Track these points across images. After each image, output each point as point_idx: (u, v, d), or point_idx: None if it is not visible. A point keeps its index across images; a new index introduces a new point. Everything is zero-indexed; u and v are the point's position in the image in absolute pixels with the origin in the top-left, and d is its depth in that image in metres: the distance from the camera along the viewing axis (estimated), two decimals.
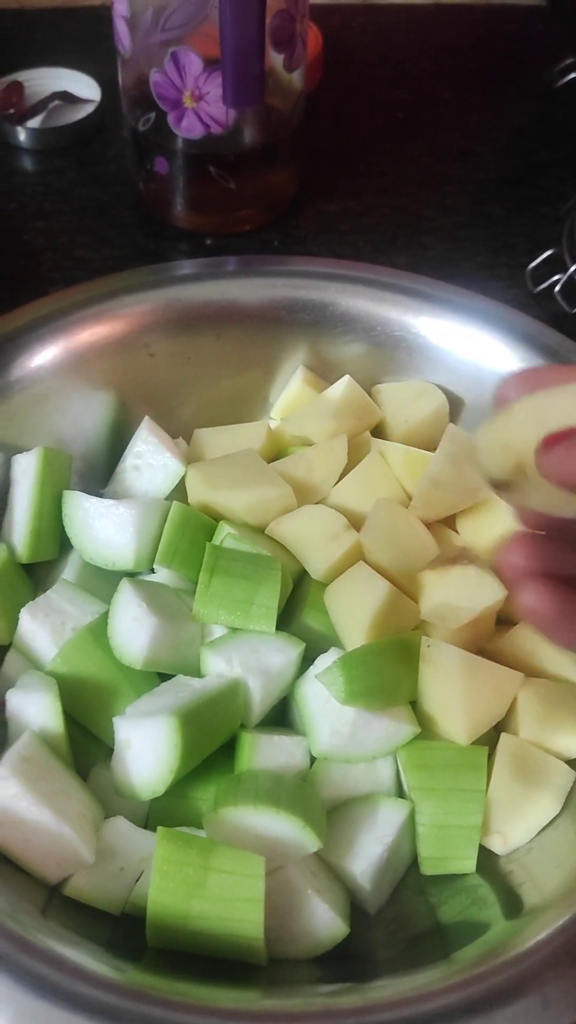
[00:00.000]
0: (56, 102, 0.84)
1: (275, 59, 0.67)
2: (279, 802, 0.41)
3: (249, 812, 0.41)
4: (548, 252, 0.72)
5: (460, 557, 0.47)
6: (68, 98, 0.85)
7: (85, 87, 0.86)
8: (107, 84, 0.84)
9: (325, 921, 0.41)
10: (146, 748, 0.43)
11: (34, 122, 0.82)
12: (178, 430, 0.58)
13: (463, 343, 0.56)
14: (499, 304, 0.57)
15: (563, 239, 0.72)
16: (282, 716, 0.50)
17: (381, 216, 0.79)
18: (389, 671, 0.46)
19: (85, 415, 0.57)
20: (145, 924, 0.40)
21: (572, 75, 0.89)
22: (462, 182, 0.82)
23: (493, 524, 0.51)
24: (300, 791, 0.43)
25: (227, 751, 0.46)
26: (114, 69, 0.71)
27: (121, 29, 0.67)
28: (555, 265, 0.71)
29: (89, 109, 0.84)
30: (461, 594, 0.47)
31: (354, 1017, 0.35)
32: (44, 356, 0.54)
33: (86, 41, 0.92)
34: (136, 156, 0.74)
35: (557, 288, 0.70)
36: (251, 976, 0.40)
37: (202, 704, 0.44)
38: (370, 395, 0.58)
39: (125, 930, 0.42)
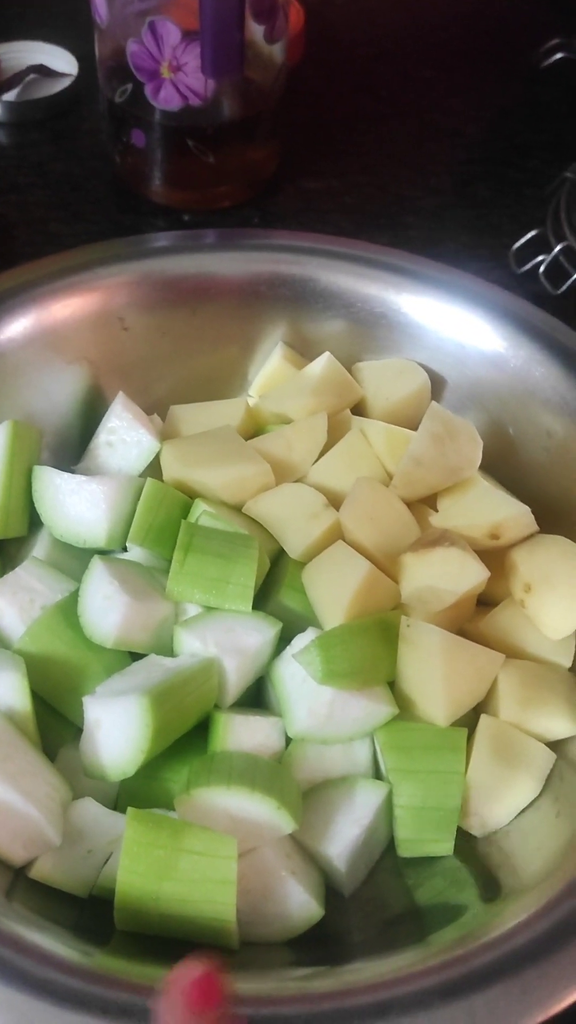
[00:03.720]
0: (32, 75, 0.82)
1: (256, 31, 0.66)
2: (253, 783, 0.40)
3: (222, 793, 0.40)
4: (532, 233, 0.71)
5: (441, 539, 0.46)
6: (44, 71, 0.83)
7: (62, 61, 0.84)
8: (84, 58, 0.82)
9: (299, 903, 0.40)
10: (116, 729, 0.42)
11: (9, 95, 0.81)
12: (153, 406, 0.57)
13: (445, 321, 0.55)
14: (482, 281, 0.56)
15: (547, 220, 0.71)
16: (257, 697, 0.48)
17: (363, 195, 0.78)
18: (368, 651, 0.45)
19: (57, 389, 0.55)
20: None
21: (558, 56, 0.88)
22: (446, 162, 0.81)
23: (473, 503, 0.50)
24: (275, 772, 0.42)
25: (200, 731, 0.45)
26: (91, 43, 0.69)
27: None
28: (539, 246, 0.70)
29: (66, 83, 0.82)
30: (443, 577, 0.46)
31: (330, 1000, 0.34)
32: (15, 328, 0.53)
33: (63, 14, 0.90)
34: (112, 129, 0.72)
35: (541, 269, 0.69)
36: (224, 960, 0.39)
37: (175, 684, 0.43)
38: (351, 373, 0.57)
39: (93, 913, 0.40)
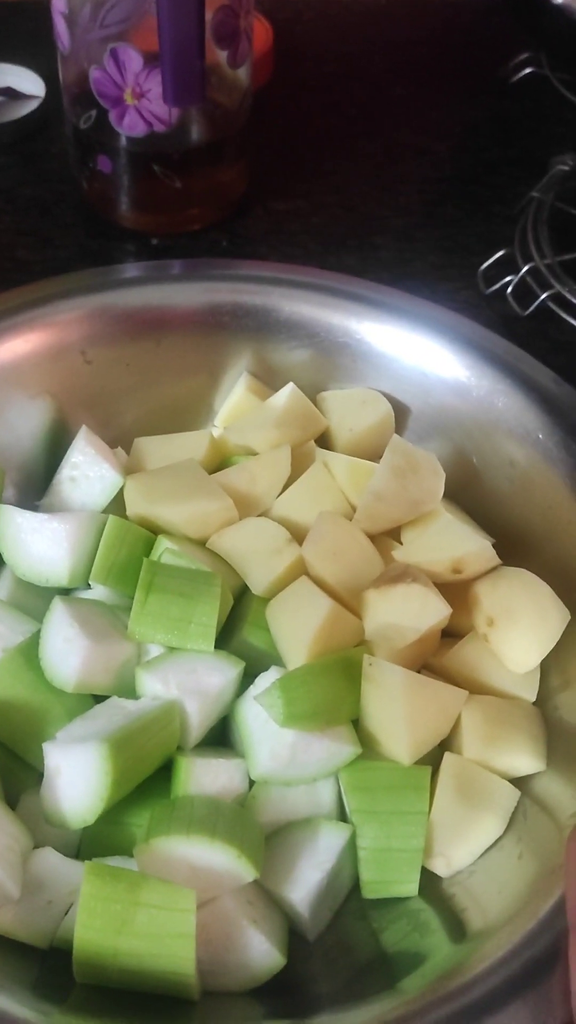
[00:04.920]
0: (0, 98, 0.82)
1: (219, 55, 0.65)
2: (214, 831, 0.40)
3: (182, 842, 0.40)
4: (500, 252, 0.71)
5: (403, 575, 0.46)
6: (11, 94, 0.82)
7: (29, 82, 0.83)
8: (51, 80, 0.82)
9: (261, 952, 0.40)
10: (76, 776, 0.41)
11: None
12: (118, 438, 0.56)
13: (408, 350, 0.55)
14: (444, 309, 0.56)
15: (515, 240, 0.71)
16: (222, 734, 0.48)
17: (332, 216, 0.77)
18: (330, 691, 0.45)
19: (21, 424, 0.55)
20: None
21: (527, 71, 0.88)
22: (415, 181, 0.81)
23: (435, 537, 0.50)
24: (237, 818, 0.42)
25: (164, 773, 0.45)
26: (57, 65, 0.69)
27: (59, 25, 0.65)
28: (507, 266, 0.70)
29: (33, 105, 0.82)
30: (405, 614, 0.45)
31: None
32: None
33: (30, 35, 0.90)
34: (78, 154, 0.72)
35: (509, 290, 0.69)
36: (184, 1012, 0.39)
37: (135, 729, 0.42)
38: (315, 402, 0.57)
39: (54, 965, 0.40)
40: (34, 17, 0.92)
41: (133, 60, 0.63)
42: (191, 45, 0.59)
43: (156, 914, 0.38)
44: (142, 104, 0.65)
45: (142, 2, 0.61)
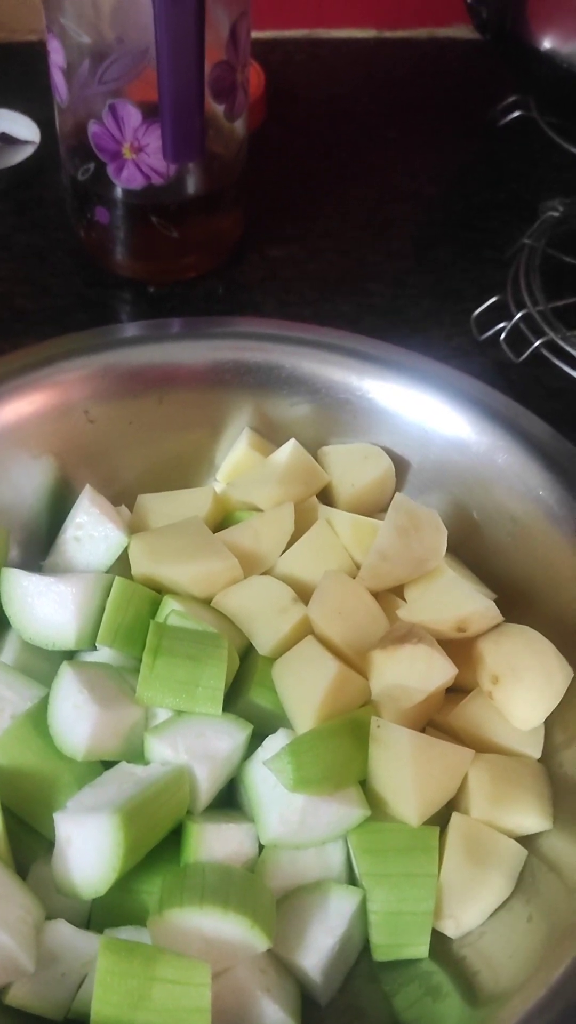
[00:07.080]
0: None
1: (216, 108, 0.66)
2: (226, 901, 0.40)
3: (195, 913, 0.40)
4: (493, 299, 0.72)
5: (409, 635, 0.46)
6: (6, 139, 0.83)
7: (23, 128, 0.84)
8: (46, 124, 0.82)
9: (275, 1021, 0.40)
10: (88, 846, 0.42)
11: None
12: (121, 495, 0.57)
13: (408, 405, 0.56)
14: (444, 366, 0.56)
15: (508, 286, 0.72)
16: (229, 795, 0.48)
17: (326, 261, 0.78)
18: (339, 754, 0.45)
19: (24, 483, 0.55)
20: None
21: (515, 114, 0.89)
22: (407, 225, 0.82)
23: (439, 595, 0.50)
24: (249, 886, 0.42)
25: (173, 838, 0.45)
26: (51, 108, 0.69)
27: (58, 79, 0.66)
28: (500, 312, 0.71)
29: (28, 151, 0.82)
30: (411, 675, 0.46)
31: None
32: None
33: (23, 78, 0.90)
34: (76, 204, 0.72)
35: (502, 336, 0.70)
36: None
37: (146, 797, 0.43)
38: (316, 457, 0.57)
39: None
40: (28, 60, 0.92)
41: (132, 116, 0.64)
42: (191, 104, 0.60)
43: (172, 989, 0.38)
44: (140, 158, 0.66)
45: (140, 59, 0.62)
